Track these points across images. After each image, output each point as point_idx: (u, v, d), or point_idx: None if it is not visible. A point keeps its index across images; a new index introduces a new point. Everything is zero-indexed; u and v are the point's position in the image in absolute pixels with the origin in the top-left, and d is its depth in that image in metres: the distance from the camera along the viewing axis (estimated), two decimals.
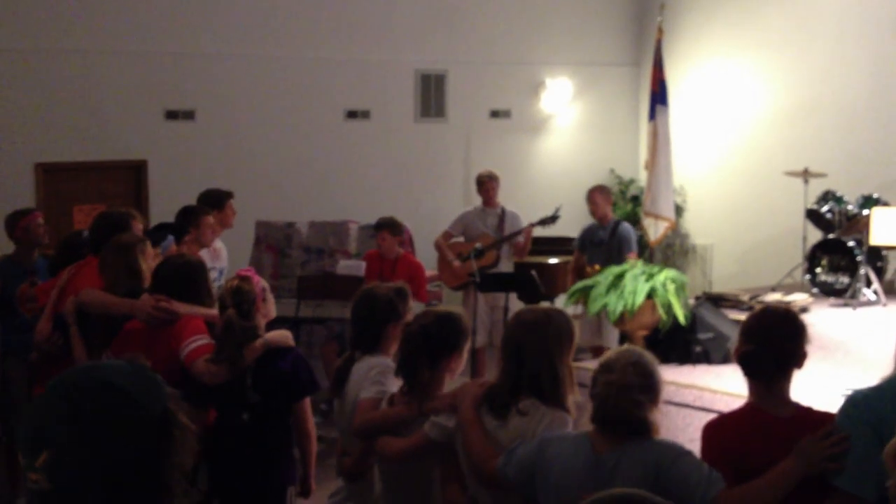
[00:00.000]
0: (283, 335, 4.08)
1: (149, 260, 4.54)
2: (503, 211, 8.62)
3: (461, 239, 8.67)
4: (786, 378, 2.89)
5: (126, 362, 1.62)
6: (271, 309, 4.16)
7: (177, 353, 4.01)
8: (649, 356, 2.83)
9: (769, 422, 2.82)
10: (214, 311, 4.15)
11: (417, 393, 3.29)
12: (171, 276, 4.25)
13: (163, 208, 8.32)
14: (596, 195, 8.25)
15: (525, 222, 8.54)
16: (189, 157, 9.46)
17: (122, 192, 9.13)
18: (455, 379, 3.44)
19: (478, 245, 8.42)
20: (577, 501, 2.61)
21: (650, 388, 2.73)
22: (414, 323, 3.36)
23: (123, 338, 4.23)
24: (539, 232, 8.74)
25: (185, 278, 4.26)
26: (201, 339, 4.05)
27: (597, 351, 7.38)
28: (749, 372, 2.92)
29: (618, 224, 8.16)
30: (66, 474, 1.48)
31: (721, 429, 2.95)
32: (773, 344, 2.88)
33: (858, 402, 2.65)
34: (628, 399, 2.67)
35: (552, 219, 8.48)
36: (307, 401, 4.08)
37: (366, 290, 3.89)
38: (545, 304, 3.35)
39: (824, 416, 2.81)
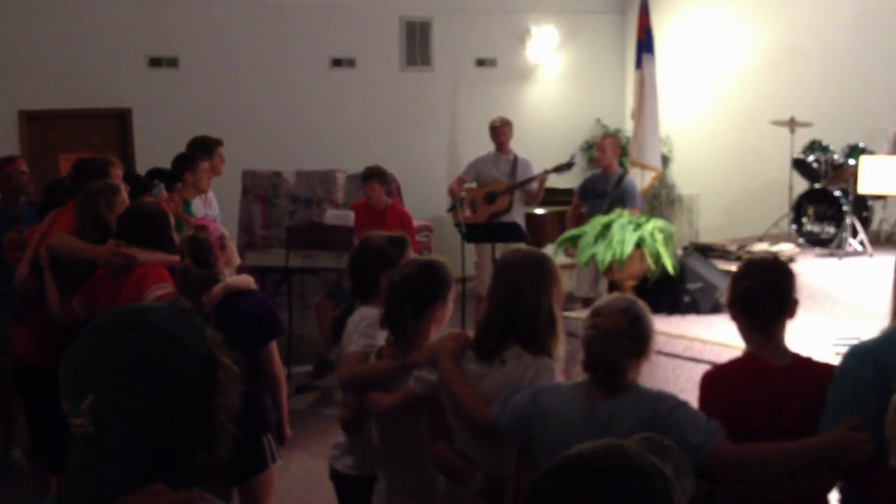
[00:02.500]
0: (244, 279, 4.06)
1: (118, 207, 4.52)
2: (516, 158, 8.58)
3: (474, 184, 8.66)
4: (781, 325, 2.85)
5: (168, 305, 1.59)
6: (233, 256, 4.13)
7: (139, 301, 3.99)
8: (641, 304, 2.75)
9: (768, 371, 2.78)
10: (176, 257, 4.13)
11: (403, 345, 3.22)
12: (132, 224, 4.28)
13: (148, 156, 8.25)
14: (606, 142, 8.11)
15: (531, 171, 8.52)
16: (173, 105, 9.37)
17: (108, 141, 9.05)
18: (443, 329, 3.34)
19: (462, 195, 8.40)
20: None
21: (637, 336, 2.65)
22: (396, 272, 3.25)
23: (93, 283, 4.30)
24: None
25: (145, 226, 4.28)
26: (164, 287, 4.05)
27: (590, 302, 7.39)
28: (751, 309, 2.84)
29: (622, 177, 7.95)
30: (112, 418, 1.45)
31: (720, 378, 2.89)
32: (772, 281, 2.84)
33: (862, 356, 2.61)
34: (614, 345, 2.60)
35: (567, 166, 8.46)
36: (273, 345, 4.03)
37: (362, 238, 3.85)
38: (532, 249, 3.25)
39: (824, 367, 2.79)
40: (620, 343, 2.61)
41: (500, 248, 7.50)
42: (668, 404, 2.60)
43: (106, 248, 4.23)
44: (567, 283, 8.34)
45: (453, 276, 3.33)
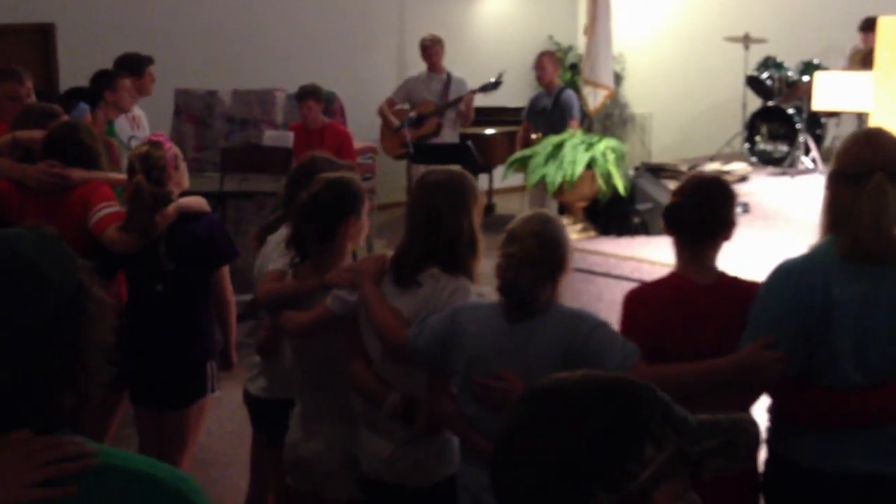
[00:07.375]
0: (198, 200, 3.89)
1: (34, 132, 4.28)
2: (448, 77, 8.28)
3: (406, 106, 8.33)
4: (712, 245, 2.75)
5: (31, 230, 1.38)
6: (184, 178, 3.94)
7: (83, 222, 3.84)
8: (557, 223, 2.67)
9: (690, 289, 2.70)
10: (115, 175, 4.04)
11: (314, 265, 3.13)
12: (60, 142, 4.03)
13: (74, 75, 7.82)
14: (545, 60, 8.06)
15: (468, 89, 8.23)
16: (100, 21, 8.87)
17: (30, 58, 8.51)
18: (361, 244, 3.25)
19: (412, 114, 8.10)
20: (491, 372, 2.55)
21: (552, 261, 2.57)
22: (305, 192, 3.11)
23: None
24: (477, 101, 8.43)
25: (77, 143, 4.04)
26: (110, 206, 3.89)
27: None
28: (675, 225, 2.77)
29: (561, 91, 7.92)
30: None
31: (641, 297, 2.83)
32: (701, 199, 2.74)
33: (786, 273, 2.54)
34: (527, 274, 2.53)
35: (494, 85, 8.14)
36: (226, 269, 3.88)
37: (309, 157, 3.59)
38: (450, 167, 3.08)
39: (750, 285, 2.71)
40: (533, 272, 2.54)
41: None
42: (587, 326, 2.55)
43: (37, 167, 3.98)
44: (520, 205, 8.14)
45: (364, 190, 3.21)
